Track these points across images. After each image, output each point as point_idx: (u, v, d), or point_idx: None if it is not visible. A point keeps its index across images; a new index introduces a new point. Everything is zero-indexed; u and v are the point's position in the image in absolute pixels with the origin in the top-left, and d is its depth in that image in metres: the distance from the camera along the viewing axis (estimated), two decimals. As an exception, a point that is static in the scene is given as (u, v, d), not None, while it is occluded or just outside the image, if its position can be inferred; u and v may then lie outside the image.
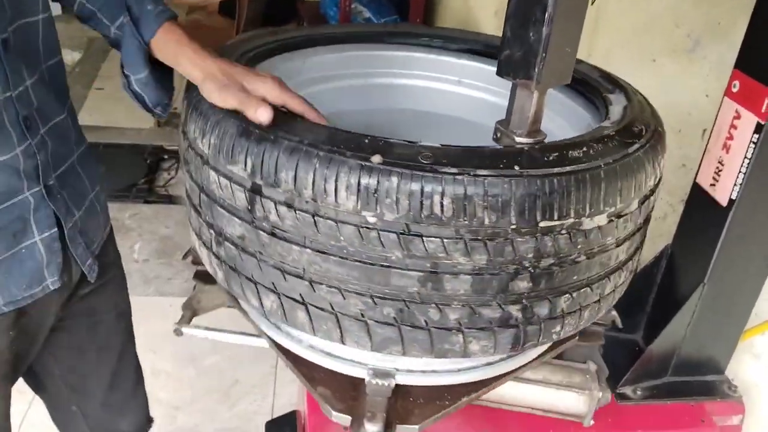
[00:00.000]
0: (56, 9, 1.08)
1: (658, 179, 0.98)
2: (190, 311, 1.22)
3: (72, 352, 1.26)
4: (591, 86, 1.18)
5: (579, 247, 0.86)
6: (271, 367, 2.53)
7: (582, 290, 0.92)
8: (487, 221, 0.79)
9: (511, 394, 1.26)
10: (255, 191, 0.85)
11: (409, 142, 0.83)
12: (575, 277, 0.89)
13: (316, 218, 0.81)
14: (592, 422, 1.27)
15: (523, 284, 0.85)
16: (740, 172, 1.30)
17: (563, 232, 0.84)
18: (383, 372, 1.02)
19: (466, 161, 0.80)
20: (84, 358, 1.29)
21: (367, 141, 0.82)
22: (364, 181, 0.78)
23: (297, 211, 0.82)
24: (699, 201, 1.43)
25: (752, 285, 1.46)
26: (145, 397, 1.49)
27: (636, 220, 0.94)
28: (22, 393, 1.34)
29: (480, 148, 0.84)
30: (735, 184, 1.32)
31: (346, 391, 1.03)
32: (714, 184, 1.38)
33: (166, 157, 3.86)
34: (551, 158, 0.84)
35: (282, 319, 0.91)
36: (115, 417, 1.41)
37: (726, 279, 1.43)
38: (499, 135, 0.96)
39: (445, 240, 0.80)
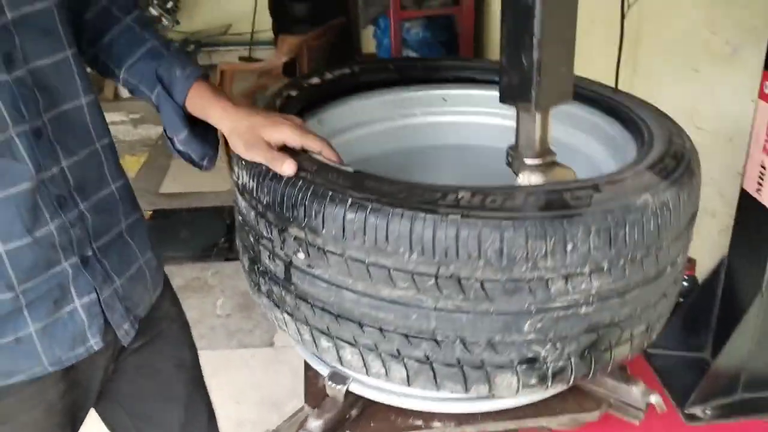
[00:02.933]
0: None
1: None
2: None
3: (137, 401, 1.28)
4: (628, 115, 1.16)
5: None
6: (349, 410, 2.57)
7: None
8: None
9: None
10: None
11: None
12: None
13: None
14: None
15: None
16: (783, 173, 1.27)
17: None
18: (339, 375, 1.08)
19: None
20: (150, 407, 1.31)
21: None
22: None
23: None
24: (748, 207, 1.40)
25: (815, 290, 1.40)
26: None
27: None
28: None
29: None
30: (779, 187, 1.29)
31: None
32: (760, 189, 1.34)
33: (243, 215, 4.04)
34: None
35: None
36: None
37: (786, 285, 1.38)
38: (510, 159, 0.99)
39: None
